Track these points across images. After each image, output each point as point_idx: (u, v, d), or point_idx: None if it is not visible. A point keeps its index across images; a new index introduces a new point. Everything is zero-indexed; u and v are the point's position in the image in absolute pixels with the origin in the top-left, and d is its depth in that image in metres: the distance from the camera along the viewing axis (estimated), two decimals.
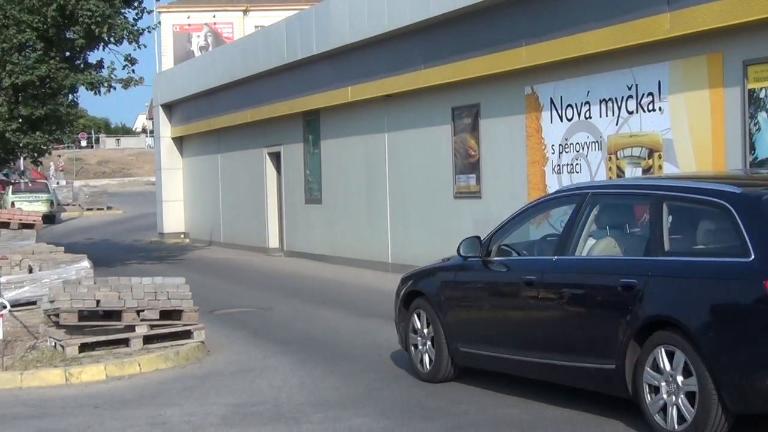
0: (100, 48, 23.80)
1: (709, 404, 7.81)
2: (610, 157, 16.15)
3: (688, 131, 14.69)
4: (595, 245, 9.42)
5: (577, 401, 9.60)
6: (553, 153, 17.38)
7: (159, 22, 33.20)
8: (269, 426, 9.37)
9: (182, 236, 35.97)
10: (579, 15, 16.29)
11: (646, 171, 15.43)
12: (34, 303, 16.39)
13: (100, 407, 10.46)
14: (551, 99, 17.35)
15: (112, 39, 23.44)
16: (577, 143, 16.83)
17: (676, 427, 8.07)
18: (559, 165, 17.23)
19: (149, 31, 24.82)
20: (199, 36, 71.79)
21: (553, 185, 17.24)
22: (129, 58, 24.14)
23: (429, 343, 10.91)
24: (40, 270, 16.92)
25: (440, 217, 20.65)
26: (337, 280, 21.15)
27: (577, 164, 16.84)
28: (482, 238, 10.43)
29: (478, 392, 10.33)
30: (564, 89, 17.07)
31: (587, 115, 16.60)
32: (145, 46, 24.53)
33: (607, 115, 16.20)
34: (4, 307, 12.99)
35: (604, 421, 8.92)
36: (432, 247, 20.77)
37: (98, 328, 13.01)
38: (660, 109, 15.16)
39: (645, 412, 8.38)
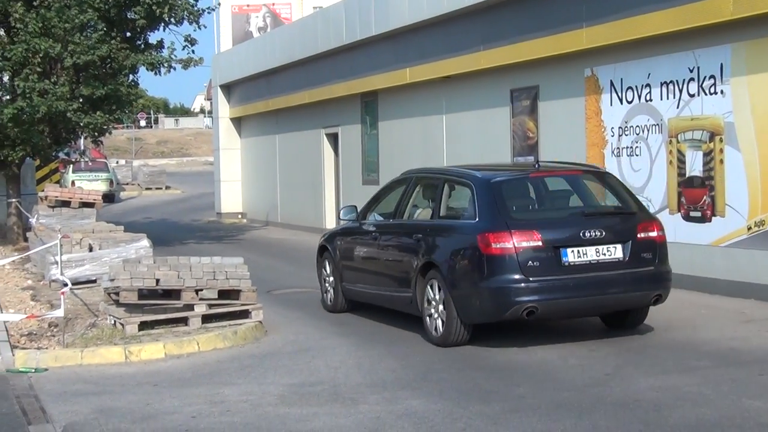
0: (161, 28, 23.94)
1: (451, 318, 11.80)
2: (670, 140, 15.99)
3: (751, 115, 14.51)
4: (414, 211, 13.41)
5: (636, 385, 9.57)
6: (612, 136, 17.25)
7: (219, 3, 33.32)
8: (326, 406, 9.41)
9: (239, 216, 36.16)
10: None
11: (707, 155, 15.27)
12: (94, 281, 16.61)
13: (159, 385, 10.56)
14: (611, 81, 17.20)
15: (172, 19, 23.57)
16: (637, 126, 16.69)
17: (438, 334, 12.04)
18: (618, 148, 17.10)
19: (209, 12, 24.87)
20: (257, 17, 71.89)
21: (612, 168, 17.12)
22: (189, 39, 24.24)
23: (331, 279, 14.96)
24: (100, 249, 17.13)
25: None
26: None
27: (636, 147, 16.71)
28: (357, 210, 14.63)
29: (537, 375, 10.31)
30: (624, 71, 16.92)
31: (647, 98, 16.45)
32: (205, 27, 24.64)
33: (667, 98, 16.04)
34: (65, 285, 13.17)
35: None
36: None
37: (157, 306, 13.13)
38: (722, 92, 14.98)
39: (425, 325, 12.34)
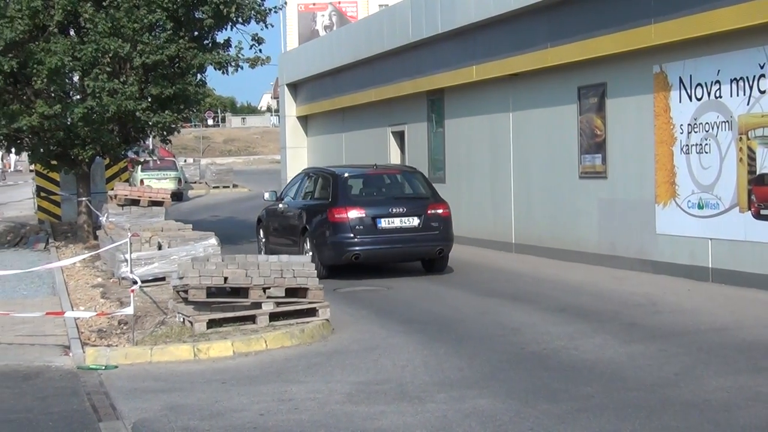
0: (228, 28, 24.06)
1: (316, 261, 16.58)
2: (740, 137, 15.79)
3: None
4: (305, 195, 20.35)
5: (706, 385, 9.47)
6: (681, 133, 17.07)
7: (285, 2, 33.42)
8: (394, 405, 9.41)
9: None
10: None
11: None
12: (163, 279, 16.76)
13: (228, 383, 10.63)
14: (680, 78, 17.03)
15: (239, 19, 23.68)
16: (707, 123, 16.50)
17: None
18: (687, 145, 16.92)
19: (276, 11, 24.98)
20: (323, 15, 72.18)
21: (681, 165, 16.97)
22: (256, 38, 24.35)
23: (263, 241, 22.07)
24: (169, 247, 17.28)
25: (564, 197, 20.47)
26: (460, 259, 21.10)
27: (706, 144, 16.52)
28: (277, 192, 22.41)
29: (605, 375, 10.24)
30: (693, 68, 16.73)
31: (717, 95, 16.26)
32: (272, 26, 24.74)
33: (738, 95, 15.84)
34: (135, 282, 13.29)
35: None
36: (556, 228, 20.66)
37: (225, 304, 13.21)
38: None
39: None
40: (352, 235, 18.23)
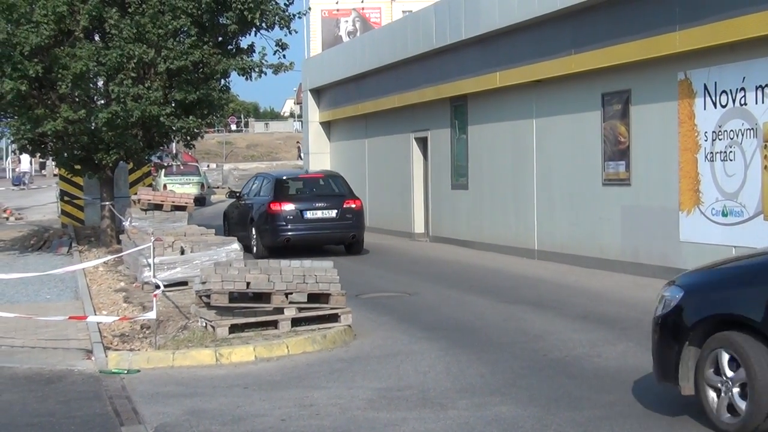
0: (252, 33, 24.12)
1: (258, 243, 23.90)
2: (765, 145, 15.71)
3: None
4: (254, 194, 25.22)
5: None
6: (706, 140, 17.00)
7: (309, 8, 33.46)
8: (416, 411, 9.40)
9: None
10: None
11: None
12: (185, 284, 16.78)
13: (249, 388, 10.64)
14: (705, 85, 16.96)
15: (263, 24, 23.72)
16: (731, 130, 16.43)
17: (255, 251, 23.60)
18: (712, 152, 16.85)
19: (300, 17, 24.99)
20: (347, 21, 72.20)
21: (705, 173, 16.89)
22: (280, 44, 24.38)
23: (226, 229, 26.38)
24: (191, 252, 17.30)
25: (588, 204, 20.41)
26: (483, 266, 21.08)
27: (731, 152, 16.44)
28: (238, 192, 27.10)
29: (628, 383, 10.19)
30: (718, 75, 16.66)
31: (742, 102, 16.18)
32: (296, 32, 24.77)
33: (763, 102, 15.76)
34: (157, 287, 13.32)
35: None
36: (579, 235, 20.60)
37: (247, 309, 13.22)
38: None
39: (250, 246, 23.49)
40: (284, 223, 23.48)
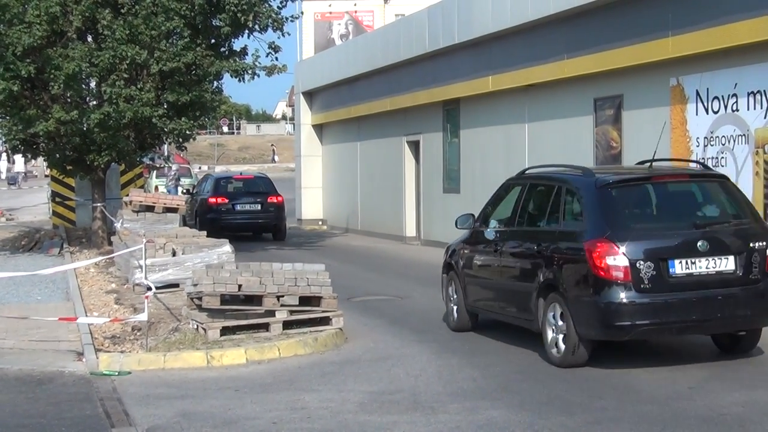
0: (245, 35, 24.12)
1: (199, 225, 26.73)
2: (757, 151, 15.76)
3: None
4: (203, 192, 31.13)
5: (721, 400, 9.43)
6: (697, 146, 17.03)
7: (302, 11, 33.51)
8: (407, 414, 9.39)
9: (320, 223, 36.29)
10: (729, 4, 15.91)
11: None
12: (176, 286, 16.75)
13: (240, 390, 10.63)
14: (697, 91, 16.99)
15: (257, 27, 23.72)
16: (723, 136, 16.46)
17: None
18: (703, 158, 16.86)
19: (293, 20, 24.99)
20: (339, 24, 72.14)
21: None
22: (273, 46, 24.39)
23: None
24: (183, 254, 17.28)
25: None
26: None
27: (722, 158, 16.48)
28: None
29: (620, 387, 10.20)
30: (710, 81, 16.70)
31: (734, 108, 16.22)
32: (289, 34, 24.85)
33: (755, 108, 15.81)
34: (149, 289, 13.30)
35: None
36: None
37: (239, 312, 13.20)
38: None
39: None
40: (217, 214, 29.21)
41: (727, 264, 10.88)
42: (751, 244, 11.00)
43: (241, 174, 33.67)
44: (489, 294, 13.20)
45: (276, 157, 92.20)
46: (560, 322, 11.21)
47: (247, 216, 29.78)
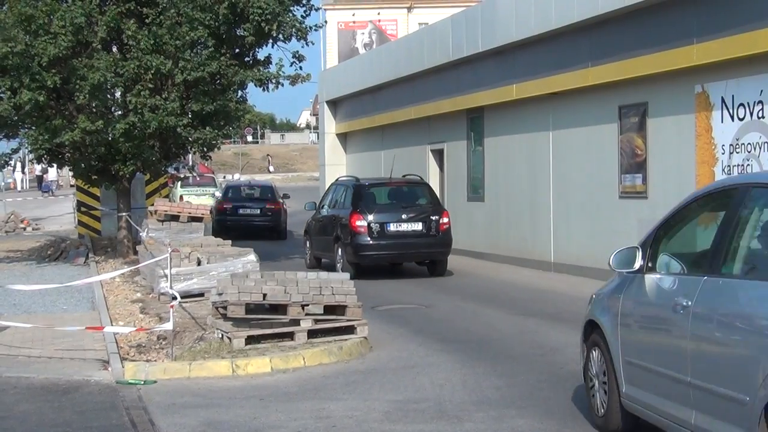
0: (269, 45, 24.16)
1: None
2: None
3: None
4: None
5: None
6: (723, 153, 16.96)
7: (326, 21, 33.54)
8: (432, 423, 9.38)
9: None
10: (755, 11, 15.85)
11: None
12: (201, 295, 16.78)
13: (266, 399, 10.63)
14: (722, 98, 16.93)
15: (280, 36, 23.74)
16: (749, 143, 16.39)
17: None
18: (729, 166, 16.81)
19: (317, 29, 25.02)
20: (363, 33, 72.38)
21: None
22: (297, 55, 24.41)
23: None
24: (208, 263, 17.31)
25: (604, 216, 20.38)
26: (498, 278, 21.04)
27: (748, 165, 16.40)
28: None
29: None
30: (736, 88, 16.64)
31: (760, 115, 16.15)
32: (313, 44, 24.80)
33: None
34: (174, 298, 13.34)
35: None
36: (595, 247, 20.55)
37: (264, 321, 13.23)
38: None
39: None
40: (224, 216, 33.43)
41: (417, 226, 21.31)
42: (432, 217, 21.50)
43: (249, 183, 39.08)
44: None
45: (271, 168, 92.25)
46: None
47: (248, 218, 34.08)
